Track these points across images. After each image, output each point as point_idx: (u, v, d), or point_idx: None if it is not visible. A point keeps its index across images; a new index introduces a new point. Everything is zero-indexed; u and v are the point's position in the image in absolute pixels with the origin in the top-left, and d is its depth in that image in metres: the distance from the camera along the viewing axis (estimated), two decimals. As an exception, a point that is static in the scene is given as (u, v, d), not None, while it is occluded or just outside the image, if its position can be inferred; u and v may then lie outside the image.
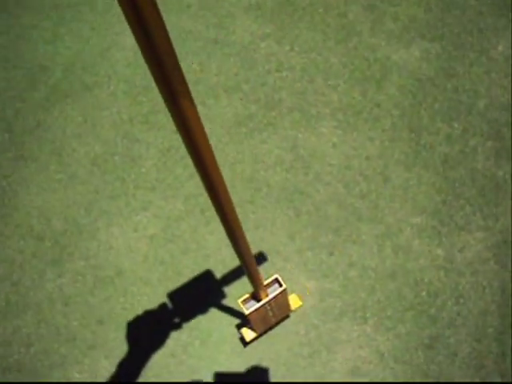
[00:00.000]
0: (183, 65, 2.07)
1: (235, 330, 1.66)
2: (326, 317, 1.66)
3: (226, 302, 1.68)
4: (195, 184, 1.85)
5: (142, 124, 2.00)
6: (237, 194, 1.82)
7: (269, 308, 1.40)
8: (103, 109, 2.05)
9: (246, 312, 1.32)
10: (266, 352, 1.63)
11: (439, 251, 1.72)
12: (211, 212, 1.80)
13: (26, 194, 1.93)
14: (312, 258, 1.73)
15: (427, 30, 2.06)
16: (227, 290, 1.70)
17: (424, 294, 1.68)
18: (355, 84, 1.99)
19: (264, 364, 1.61)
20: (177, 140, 1.94)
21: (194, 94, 2.01)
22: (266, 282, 1.32)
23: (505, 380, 1.55)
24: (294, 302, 1.64)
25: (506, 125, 1.85)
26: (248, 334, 1.59)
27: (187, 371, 1.61)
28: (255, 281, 1.21)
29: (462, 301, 1.67)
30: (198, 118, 0.60)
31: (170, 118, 2.00)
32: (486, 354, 1.59)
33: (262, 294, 1.31)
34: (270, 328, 1.63)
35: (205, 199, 1.83)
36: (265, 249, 1.74)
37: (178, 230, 1.80)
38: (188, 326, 1.65)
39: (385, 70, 2.00)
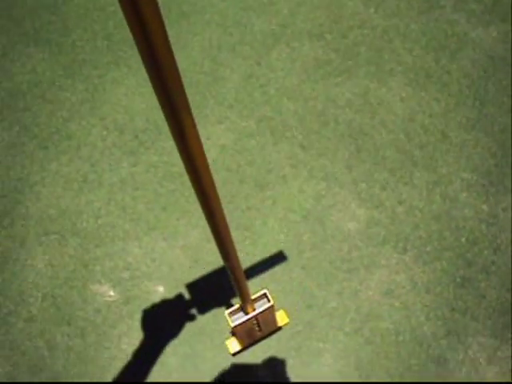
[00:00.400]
0: (273, 8, 2.25)
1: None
2: (370, 241, 1.80)
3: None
4: (270, 109, 2.02)
5: (229, 52, 2.18)
6: (305, 126, 1.99)
7: (255, 323, 1.42)
8: (195, 34, 2.24)
9: (232, 324, 1.34)
10: (309, 260, 1.77)
11: (484, 206, 1.85)
12: (280, 134, 1.97)
13: (114, 93, 2.13)
14: (365, 190, 1.87)
15: (508, 15, 2.19)
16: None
17: (463, 239, 1.80)
18: (430, 51, 2.14)
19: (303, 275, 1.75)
20: (259, 70, 2.12)
21: (280, 36, 2.19)
22: (253, 297, 1.34)
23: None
24: (281, 318, 1.65)
25: None
26: (232, 345, 1.63)
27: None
28: (243, 295, 1.24)
29: (498, 253, 1.79)
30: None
31: (256, 50, 2.19)
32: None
33: (249, 308, 1.33)
34: (256, 342, 1.66)
35: (276, 123, 1.99)
36: (323, 175, 1.90)
37: (248, 145, 1.97)
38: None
39: (460, 43, 2.15)
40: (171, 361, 1.67)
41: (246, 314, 1.34)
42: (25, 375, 1.68)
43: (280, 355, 1.66)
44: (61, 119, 2.09)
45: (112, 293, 1.78)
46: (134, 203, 1.90)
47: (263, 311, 1.35)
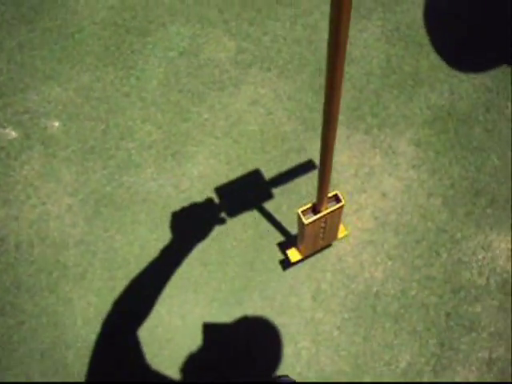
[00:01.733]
0: None
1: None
2: (238, 65, 2.04)
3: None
4: None
5: None
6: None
7: (323, 225, 1.40)
8: None
9: (305, 222, 1.30)
10: (185, 85, 2.00)
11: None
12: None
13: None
14: (235, 27, 2.11)
15: None
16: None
17: (323, 59, 2.04)
18: None
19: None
20: None
21: None
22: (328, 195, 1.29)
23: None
24: (341, 230, 1.64)
25: None
26: (295, 254, 1.61)
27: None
28: (324, 188, 1.20)
29: (351, 64, 2.03)
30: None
31: None
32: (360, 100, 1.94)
33: (322, 207, 1.30)
34: (314, 253, 1.70)
35: None
36: (198, 19, 2.13)
37: (131, 2, 2.20)
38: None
39: None
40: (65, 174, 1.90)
41: (318, 212, 1.31)
42: None
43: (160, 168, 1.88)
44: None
45: (14, 133, 2.01)
46: (31, 60, 2.12)
47: (335, 210, 1.32)
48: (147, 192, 1.86)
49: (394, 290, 1.72)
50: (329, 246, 1.75)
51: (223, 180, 1.86)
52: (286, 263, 1.75)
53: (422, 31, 2.07)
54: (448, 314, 1.69)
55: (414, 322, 1.68)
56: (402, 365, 1.64)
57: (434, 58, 2.05)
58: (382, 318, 1.69)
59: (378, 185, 1.83)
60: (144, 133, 1.94)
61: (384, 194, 1.82)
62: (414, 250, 1.76)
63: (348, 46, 2.06)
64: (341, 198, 1.32)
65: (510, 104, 1.98)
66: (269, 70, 2.02)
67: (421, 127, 1.93)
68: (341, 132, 1.90)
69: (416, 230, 1.78)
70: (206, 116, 1.96)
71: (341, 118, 1.92)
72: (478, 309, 1.70)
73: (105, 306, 1.74)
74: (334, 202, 1.33)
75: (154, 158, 1.91)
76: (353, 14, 2.09)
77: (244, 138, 1.91)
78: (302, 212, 1.32)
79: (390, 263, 1.75)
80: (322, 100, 1.94)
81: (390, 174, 1.86)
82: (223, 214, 1.83)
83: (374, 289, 1.72)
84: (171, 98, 1.99)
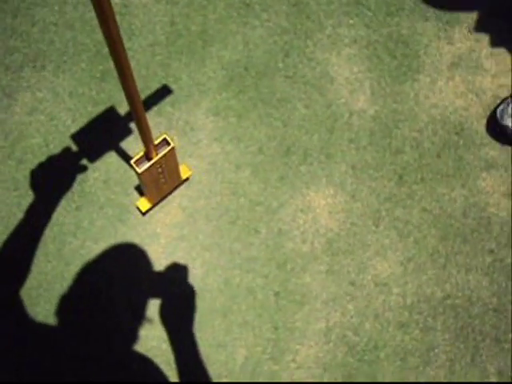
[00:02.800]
0: None
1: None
2: (8, 69, 1.79)
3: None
4: None
5: None
6: None
7: (160, 171, 1.43)
8: None
9: (139, 171, 1.34)
10: None
11: None
12: None
13: None
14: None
15: None
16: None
17: (99, 37, 1.80)
18: None
19: None
20: None
21: None
22: (155, 142, 1.34)
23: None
24: (183, 171, 1.63)
25: None
26: (144, 204, 1.61)
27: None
28: (146, 136, 1.25)
29: (133, 38, 1.80)
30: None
31: None
32: (150, 77, 1.73)
33: (153, 154, 1.34)
34: (164, 197, 1.65)
35: None
36: None
37: None
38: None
39: None
40: None
41: (150, 159, 1.34)
42: None
43: None
44: None
45: None
46: None
47: (166, 154, 1.36)
48: None
49: (216, 282, 1.59)
50: (179, 186, 1.67)
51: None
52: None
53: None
54: (277, 294, 1.59)
55: (244, 311, 1.57)
56: (239, 361, 1.54)
57: (222, 8, 1.83)
58: (209, 315, 1.57)
59: (181, 170, 1.66)
60: None
61: (188, 179, 1.66)
62: (230, 232, 1.63)
63: (124, 18, 1.83)
64: (169, 141, 1.35)
65: (309, 42, 1.80)
66: (43, 67, 1.79)
67: (217, 92, 1.75)
68: (130, 118, 1.70)
69: (229, 210, 1.64)
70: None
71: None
72: (307, 279, 1.60)
73: None
74: (165, 146, 1.36)
75: None
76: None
77: (29, 155, 1.71)
78: (135, 162, 1.34)
79: (207, 255, 1.61)
80: (106, 88, 1.74)
81: (191, 154, 1.69)
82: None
83: (195, 286, 1.59)
84: None
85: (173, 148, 1.37)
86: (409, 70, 1.80)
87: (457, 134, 1.74)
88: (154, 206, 1.64)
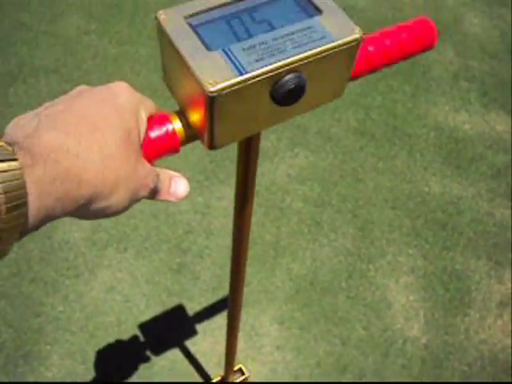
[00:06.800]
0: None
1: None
2: (94, 246, 1.95)
3: None
4: None
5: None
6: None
7: None
8: None
9: None
10: (37, 273, 1.89)
11: (199, 199, 2.05)
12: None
13: None
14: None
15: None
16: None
17: (180, 231, 1.99)
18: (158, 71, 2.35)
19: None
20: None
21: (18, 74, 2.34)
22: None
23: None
24: None
25: None
26: None
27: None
28: (229, 358, 1.28)
29: (211, 237, 1.98)
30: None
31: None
32: (224, 278, 1.89)
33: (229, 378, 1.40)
34: None
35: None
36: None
37: None
38: None
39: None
40: None
41: None
42: None
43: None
44: None
45: None
46: None
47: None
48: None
49: None
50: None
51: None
52: None
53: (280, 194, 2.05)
54: None
55: None
56: None
57: (295, 223, 2.02)
58: None
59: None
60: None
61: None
62: None
63: (205, 218, 2.00)
64: (244, 371, 1.47)
65: (371, 266, 1.96)
66: (125, 250, 1.94)
67: (284, 302, 1.87)
68: (201, 316, 1.82)
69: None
70: (60, 308, 1.84)
71: (200, 299, 1.85)
72: None
73: None
74: (239, 375, 1.47)
75: (2, 362, 1.77)
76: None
77: (101, 331, 1.80)
78: None
79: None
80: (181, 281, 1.87)
81: (254, 358, 1.78)
82: None
83: None
84: (22, 289, 1.87)
85: (246, 378, 1.45)
86: (460, 303, 1.94)
87: (504, 371, 1.84)
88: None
